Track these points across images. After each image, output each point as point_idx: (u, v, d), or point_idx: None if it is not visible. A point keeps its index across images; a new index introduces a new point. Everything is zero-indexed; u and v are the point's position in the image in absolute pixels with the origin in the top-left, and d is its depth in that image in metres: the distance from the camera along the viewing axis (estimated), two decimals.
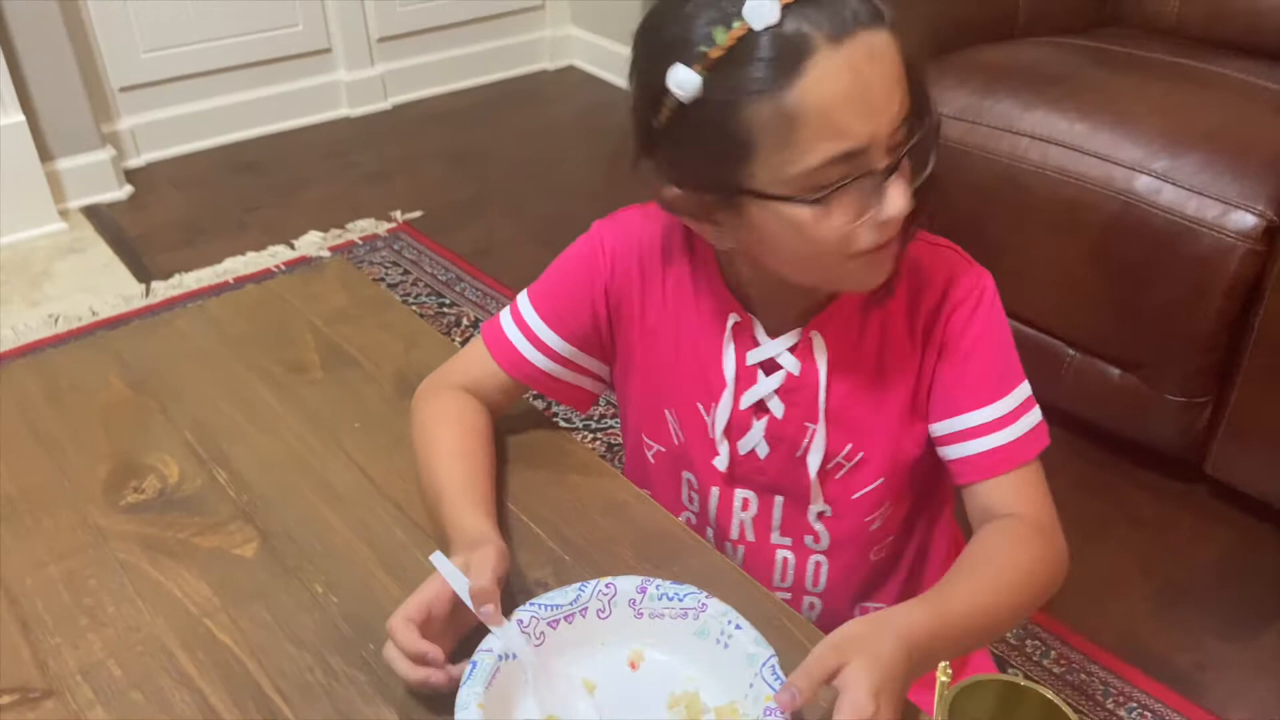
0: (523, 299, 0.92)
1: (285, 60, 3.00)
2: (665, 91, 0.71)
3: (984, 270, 0.84)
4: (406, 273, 2.35)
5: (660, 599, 0.75)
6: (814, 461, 0.86)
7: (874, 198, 0.71)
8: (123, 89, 2.78)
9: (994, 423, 0.82)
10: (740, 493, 0.91)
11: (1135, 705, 1.37)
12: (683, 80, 0.69)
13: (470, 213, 2.61)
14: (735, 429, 0.88)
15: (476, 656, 0.69)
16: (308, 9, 2.97)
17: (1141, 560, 1.59)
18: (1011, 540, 0.79)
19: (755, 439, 0.88)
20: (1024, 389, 0.83)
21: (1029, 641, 1.46)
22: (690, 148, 0.73)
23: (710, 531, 0.95)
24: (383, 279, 2.31)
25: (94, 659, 0.75)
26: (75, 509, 0.89)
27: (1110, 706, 1.37)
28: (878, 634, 0.66)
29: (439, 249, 2.43)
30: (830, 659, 0.65)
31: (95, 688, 0.73)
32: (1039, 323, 1.69)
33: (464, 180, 2.76)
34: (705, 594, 0.74)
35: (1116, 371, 1.63)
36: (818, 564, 0.93)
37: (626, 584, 0.75)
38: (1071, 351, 1.68)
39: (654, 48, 0.72)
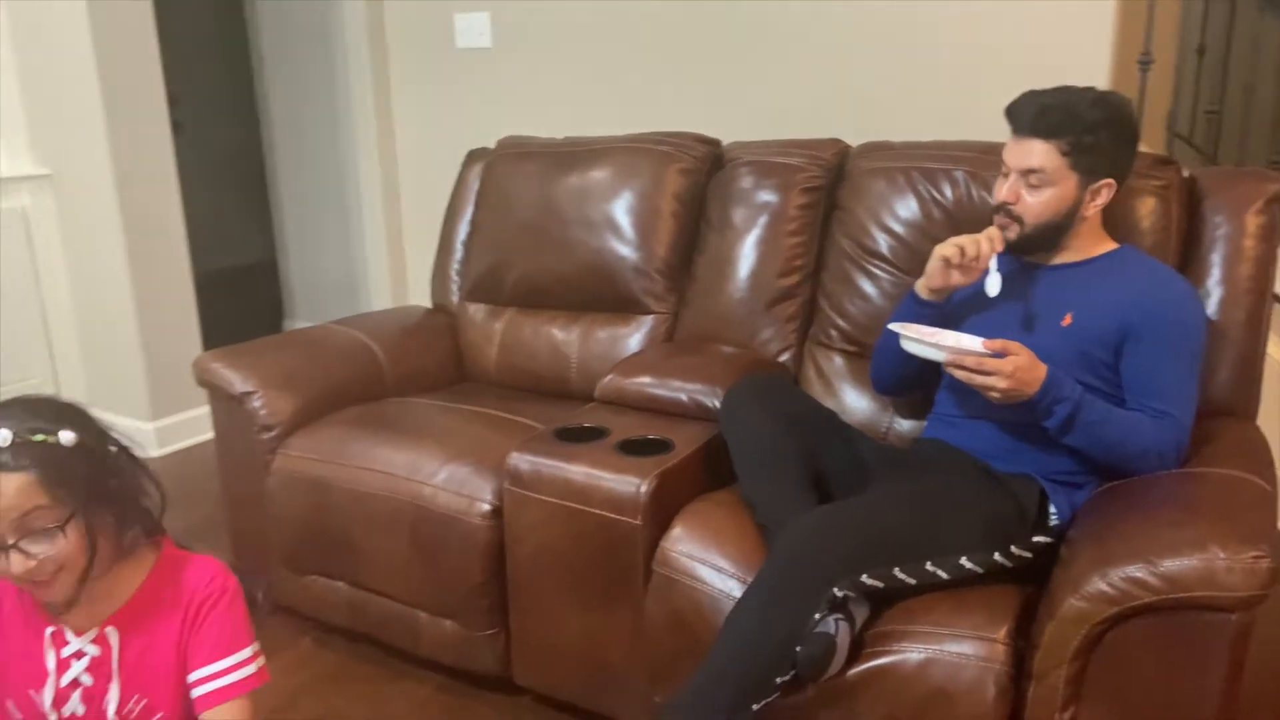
0: None
1: None
2: None
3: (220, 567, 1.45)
4: None
5: None
6: (110, 709, 1.40)
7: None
8: None
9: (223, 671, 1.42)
10: None
11: None
12: None
13: None
14: (59, 700, 1.40)
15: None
16: None
17: None
18: None
19: (74, 704, 1.40)
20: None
21: None
22: None
23: None
24: None
25: None
26: None
27: None
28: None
29: None
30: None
31: None
32: (393, 594, 2.34)
33: None
34: None
35: (448, 623, 2.30)
36: None
37: None
38: (421, 614, 2.33)
39: None
